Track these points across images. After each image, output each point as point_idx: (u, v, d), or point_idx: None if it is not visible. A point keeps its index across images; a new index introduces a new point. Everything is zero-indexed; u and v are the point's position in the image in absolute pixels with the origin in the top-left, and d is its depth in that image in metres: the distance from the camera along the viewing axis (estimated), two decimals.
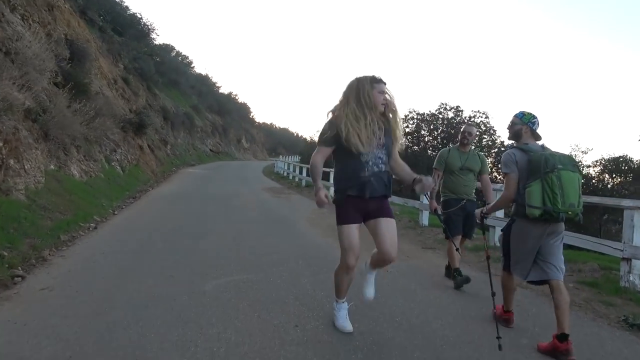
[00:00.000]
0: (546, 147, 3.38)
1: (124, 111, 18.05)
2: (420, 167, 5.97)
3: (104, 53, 21.96)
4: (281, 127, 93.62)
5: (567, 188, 3.05)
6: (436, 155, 5.15)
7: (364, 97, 3.08)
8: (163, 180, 17.60)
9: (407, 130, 20.39)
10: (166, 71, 37.04)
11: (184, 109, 38.72)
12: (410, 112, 21.14)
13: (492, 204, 3.72)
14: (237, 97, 67.80)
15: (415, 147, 20.02)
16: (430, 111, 20.87)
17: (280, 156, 43.26)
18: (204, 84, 54.59)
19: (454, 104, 21.04)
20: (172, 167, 24.89)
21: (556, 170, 3.05)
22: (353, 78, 3.22)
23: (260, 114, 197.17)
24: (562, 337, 3.02)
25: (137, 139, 18.56)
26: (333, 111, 3.21)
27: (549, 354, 3.05)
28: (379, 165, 3.12)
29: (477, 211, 3.83)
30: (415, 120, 20.96)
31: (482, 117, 20.58)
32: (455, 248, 4.50)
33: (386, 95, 3.14)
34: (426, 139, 20.82)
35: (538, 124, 3.45)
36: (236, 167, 32.66)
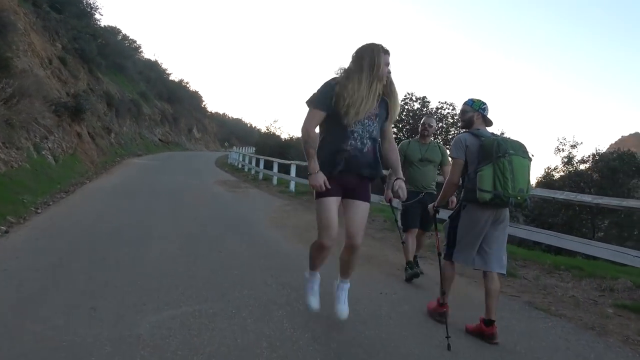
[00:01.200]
0: (495, 134, 3.42)
1: (59, 94, 16.13)
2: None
3: (38, 29, 19.78)
4: (234, 117, 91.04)
5: (517, 173, 3.06)
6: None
7: (376, 65, 2.88)
8: (104, 172, 15.87)
9: None
10: (111, 54, 34.45)
11: (131, 96, 36.38)
12: None
13: (440, 194, 3.66)
14: (188, 85, 64.91)
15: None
16: None
17: (234, 147, 41.54)
18: (153, 70, 51.88)
19: (420, 95, 20.24)
20: (116, 157, 22.96)
21: (507, 155, 3.05)
22: (364, 43, 3.01)
23: (213, 104, 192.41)
24: (489, 322, 3.17)
25: (75, 126, 16.69)
26: (339, 73, 2.97)
27: (475, 335, 3.21)
28: (365, 140, 2.94)
29: (430, 206, 3.84)
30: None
31: (449, 108, 19.93)
32: (402, 241, 4.39)
33: (389, 68, 2.98)
34: (393, 130, 19.94)
35: (488, 109, 3.49)
36: (187, 157, 30.86)
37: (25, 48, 14.58)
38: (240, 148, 35.11)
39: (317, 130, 3.02)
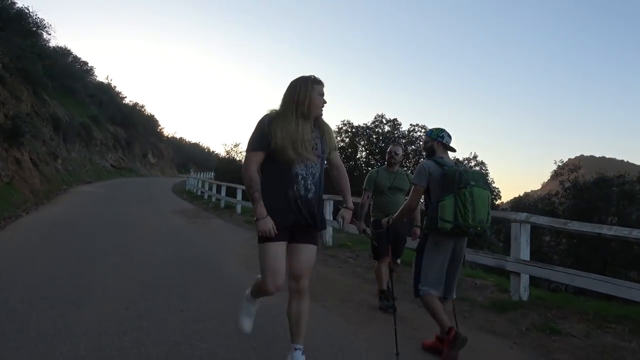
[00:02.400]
0: (459, 163, 3.03)
1: None
2: (356, 185, 4.73)
3: None
4: (192, 141, 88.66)
5: (478, 204, 3.13)
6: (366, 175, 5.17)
7: (302, 98, 2.73)
8: (46, 202, 14.23)
9: (341, 144, 18.61)
10: (59, 76, 32.51)
11: (81, 119, 34.30)
12: (343, 124, 19.38)
13: (396, 213, 3.75)
14: (143, 109, 62.69)
15: (351, 162, 18.21)
16: (365, 124, 19.28)
17: (192, 171, 39.74)
18: (106, 93, 49.73)
19: (391, 117, 19.61)
20: (63, 185, 21.12)
21: (469, 186, 3.12)
22: (296, 77, 2.86)
23: (169, 128, 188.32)
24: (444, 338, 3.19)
25: (13, 151, 14.98)
26: (268, 112, 2.83)
27: (429, 351, 3.36)
28: (309, 185, 2.76)
29: (384, 220, 3.89)
30: (349, 134, 19.21)
31: (420, 130, 19.33)
32: (383, 270, 4.65)
33: (323, 99, 2.84)
34: (363, 154, 19.11)
35: (448, 136, 3.55)
36: (141, 184, 29.03)
37: None
38: (198, 173, 33.43)
39: (261, 171, 2.83)
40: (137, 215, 12.13)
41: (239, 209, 14.41)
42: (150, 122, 63.07)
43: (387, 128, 18.93)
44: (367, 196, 4.93)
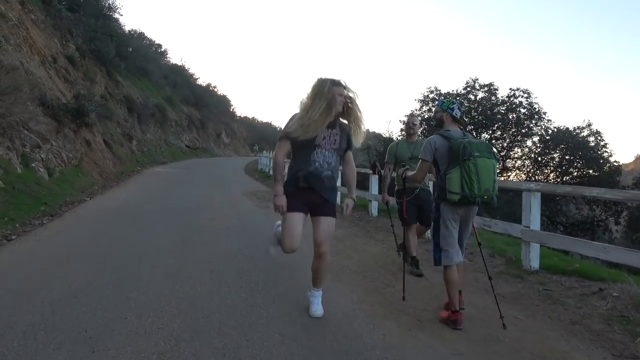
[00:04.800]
0: (467, 133, 3.60)
1: (62, 96, 13.93)
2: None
3: (47, 28, 17.81)
4: (264, 121, 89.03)
5: (482, 174, 3.25)
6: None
7: (325, 95, 3.26)
8: (115, 185, 13.60)
9: (427, 115, 16.59)
10: (133, 57, 32.70)
11: (155, 100, 34.45)
12: (430, 91, 17.24)
13: (411, 174, 3.96)
14: (216, 89, 63.17)
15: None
16: (456, 90, 17.03)
17: (264, 151, 39.11)
18: (180, 75, 50.17)
19: (486, 81, 17.16)
20: (137, 166, 20.87)
21: (472, 157, 3.24)
22: (317, 79, 3.38)
23: (242, 108, 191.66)
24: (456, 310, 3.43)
25: (84, 132, 14.49)
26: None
27: (444, 323, 3.47)
28: (325, 169, 3.34)
29: (401, 170, 4.30)
30: (437, 102, 17.15)
31: (522, 97, 16.82)
32: (401, 242, 4.95)
33: (346, 99, 3.35)
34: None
35: (458, 108, 3.65)
36: (214, 164, 28.63)
37: (19, 42, 12.42)
38: (272, 152, 32.58)
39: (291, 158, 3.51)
40: (206, 198, 11.06)
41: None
42: (223, 102, 63.54)
43: (480, 94, 16.64)
44: (389, 168, 5.16)
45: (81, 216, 7.95)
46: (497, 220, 5.72)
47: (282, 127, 3.47)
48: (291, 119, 3.38)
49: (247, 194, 12.79)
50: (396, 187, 5.11)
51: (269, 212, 9.43)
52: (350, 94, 3.37)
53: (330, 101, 3.24)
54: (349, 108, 3.37)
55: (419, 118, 5.57)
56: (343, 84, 3.34)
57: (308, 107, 3.27)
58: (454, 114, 3.59)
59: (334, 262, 4.54)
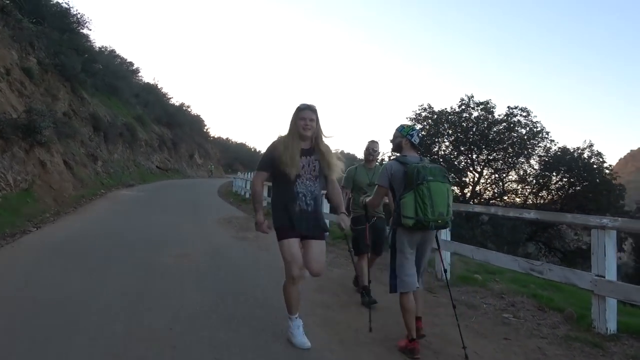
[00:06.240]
0: (424, 159, 3.65)
1: (13, 110, 12.40)
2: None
3: (2, 37, 16.28)
4: (238, 142, 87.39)
5: (436, 198, 3.24)
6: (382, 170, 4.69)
7: (292, 124, 3.38)
8: (72, 211, 12.06)
9: (421, 134, 15.69)
10: (102, 74, 31.16)
11: (125, 119, 32.79)
12: (423, 109, 16.22)
13: (368, 199, 4.10)
14: (189, 109, 61.45)
15: (434, 156, 15.11)
16: (451, 108, 16.08)
17: (239, 172, 37.54)
18: (152, 93, 48.60)
19: (481, 99, 16.23)
20: (101, 188, 19.20)
21: (426, 181, 3.24)
22: None
23: (216, 128, 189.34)
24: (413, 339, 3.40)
25: (38, 151, 12.94)
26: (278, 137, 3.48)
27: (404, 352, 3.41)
28: (309, 200, 3.36)
29: (361, 198, 4.42)
30: (430, 121, 16.10)
31: (521, 115, 15.95)
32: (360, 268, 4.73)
33: (308, 122, 3.32)
34: (445, 145, 15.96)
35: (417, 135, 3.73)
36: (186, 186, 27.09)
37: None
38: (245, 174, 31.04)
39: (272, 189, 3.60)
40: (173, 227, 9.69)
41: None
42: (197, 122, 61.90)
43: (475, 113, 15.73)
44: (346, 193, 4.96)
45: (16, 253, 6.51)
46: (553, 266, 4.45)
47: (262, 155, 3.54)
48: (269, 148, 3.44)
49: (221, 222, 11.44)
50: (352, 215, 4.93)
51: (248, 245, 8.14)
52: (329, 135, 3.47)
53: (293, 127, 3.35)
54: (319, 138, 3.42)
55: (378, 144, 5.37)
56: (312, 108, 3.37)
57: (284, 141, 3.37)
58: (412, 140, 3.64)
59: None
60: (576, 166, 17.45)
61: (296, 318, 3.43)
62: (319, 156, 3.40)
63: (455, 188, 18.97)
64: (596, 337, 3.80)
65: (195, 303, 4.43)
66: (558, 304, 4.53)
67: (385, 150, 17.95)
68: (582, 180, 17.59)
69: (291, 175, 3.27)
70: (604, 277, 3.81)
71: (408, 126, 3.75)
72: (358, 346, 3.54)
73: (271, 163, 3.37)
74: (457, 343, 3.49)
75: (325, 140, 3.46)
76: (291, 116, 3.39)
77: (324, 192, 3.63)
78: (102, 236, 8.17)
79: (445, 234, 5.76)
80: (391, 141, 3.88)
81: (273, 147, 3.39)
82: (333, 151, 3.48)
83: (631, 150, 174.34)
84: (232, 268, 6.17)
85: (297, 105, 3.41)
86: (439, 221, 3.27)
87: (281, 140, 3.37)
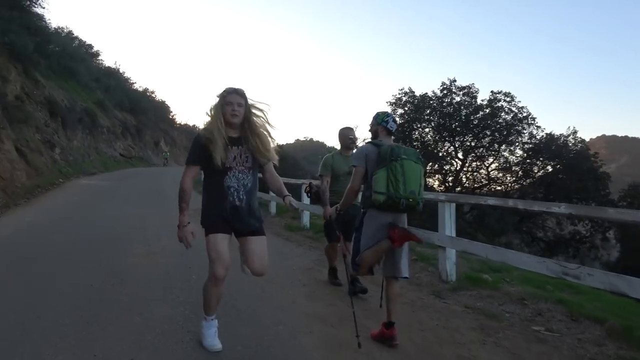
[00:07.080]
0: (400, 145, 3.58)
1: None
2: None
3: None
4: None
5: (409, 176, 3.22)
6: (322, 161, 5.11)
7: (217, 110, 3.06)
8: (24, 203, 10.98)
9: (400, 121, 15.06)
10: (58, 56, 29.32)
11: (85, 104, 31.08)
12: (404, 93, 15.53)
13: (342, 199, 3.83)
14: (154, 95, 59.31)
15: (415, 143, 14.54)
16: (433, 92, 15.65)
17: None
18: (113, 78, 46.44)
19: (464, 83, 15.62)
20: (59, 177, 17.92)
21: (399, 159, 3.23)
22: None
23: (182, 115, 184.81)
24: (389, 324, 3.31)
25: None
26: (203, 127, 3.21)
27: (378, 340, 3.32)
28: (241, 195, 3.07)
29: (332, 209, 4.08)
30: (410, 106, 15.44)
31: (505, 100, 15.49)
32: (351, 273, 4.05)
33: (236, 107, 3.02)
34: (427, 130, 15.36)
35: (393, 121, 3.72)
36: (151, 174, 25.79)
37: None
38: None
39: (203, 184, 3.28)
40: (136, 220, 8.78)
41: (273, 207, 10.98)
42: (162, 109, 59.92)
43: (457, 98, 15.18)
44: (327, 181, 4.86)
45: None
46: (594, 270, 3.77)
47: (189, 151, 3.22)
48: (195, 139, 3.21)
49: (191, 213, 10.55)
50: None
51: None
52: (259, 106, 3.14)
53: (218, 113, 3.04)
54: (250, 121, 3.08)
55: (354, 131, 5.20)
56: (240, 92, 3.08)
57: (210, 127, 3.07)
58: (388, 126, 3.64)
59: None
60: (563, 152, 17.22)
61: (212, 319, 3.17)
62: (251, 145, 3.08)
63: (437, 176, 18.58)
64: None
65: (162, 317, 3.67)
66: (589, 311, 3.93)
67: (363, 136, 17.41)
68: (569, 169, 17.32)
69: (220, 168, 2.97)
70: None
71: (383, 113, 3.74)
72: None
73: (202, 155, 3.03)
74: None
75: (259, 125, 3.12)
76: (216, 102, 3.08)
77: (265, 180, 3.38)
78: (56, 233, 7.22)
79: (450, 230, 5.12)
80: (369, 130, 3.83)
81: (199, 137, 3.08)
82: (269, 138, 3.15)
83: (604, 135, 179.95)
84: (204, 270, 5.38)
85: (223, 89, 3.10)
86: (410, 199, 3.20)
87: (207, 129, 3.05)
